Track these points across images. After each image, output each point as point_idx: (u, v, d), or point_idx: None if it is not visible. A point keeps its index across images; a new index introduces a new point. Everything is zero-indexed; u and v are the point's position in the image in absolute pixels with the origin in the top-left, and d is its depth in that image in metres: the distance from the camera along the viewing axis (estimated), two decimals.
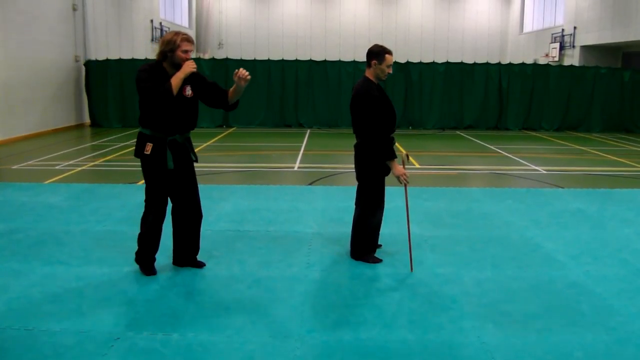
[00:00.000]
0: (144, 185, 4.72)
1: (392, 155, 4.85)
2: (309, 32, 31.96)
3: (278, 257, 5.28)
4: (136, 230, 6.01)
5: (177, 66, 4.46)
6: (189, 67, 4.44)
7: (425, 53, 30.41)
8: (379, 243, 5.46)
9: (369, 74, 4.97)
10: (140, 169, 4.66)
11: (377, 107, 4.82)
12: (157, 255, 4.87)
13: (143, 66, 4.51)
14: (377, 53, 4.91)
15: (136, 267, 4.91)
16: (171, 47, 4.45)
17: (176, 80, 4.40)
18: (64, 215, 6.71)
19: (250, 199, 7.55)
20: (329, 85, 18.53)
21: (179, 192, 4.77)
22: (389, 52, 4.94)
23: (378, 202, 5.07)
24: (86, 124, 18.11)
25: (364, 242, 5.18)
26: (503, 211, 7.11)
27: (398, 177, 4.85)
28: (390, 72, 4.98)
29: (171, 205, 4.85)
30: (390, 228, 5.95)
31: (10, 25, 13.92)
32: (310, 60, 18.83)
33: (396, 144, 5.04)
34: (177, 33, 4.54)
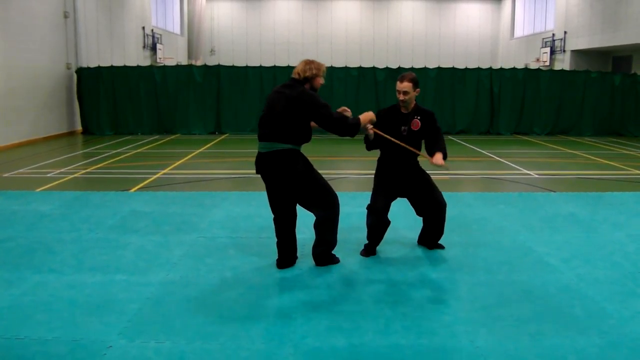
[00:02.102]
0: (312, 192, 4.93)
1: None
2: (301, 38, 32.03)
3: (271, 264, 5.26)
4: (127, 238, 6.02)
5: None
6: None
7: (417, 58, 30.55)
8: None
9: None
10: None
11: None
12: (146, 262, 4.84)
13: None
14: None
15: (128, 275, 4.90)
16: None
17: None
18: (55, 223, 6.68)
19: (243, 206, 7.54)
20: (320, 91, 18.49)
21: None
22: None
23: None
24: (78, 132, 18.04)
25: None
26: (495, 216, 7.13)
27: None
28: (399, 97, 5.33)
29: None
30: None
31: (1, 33, 13.88)
32: None
33: None
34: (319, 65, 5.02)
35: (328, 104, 4.90)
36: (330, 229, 5.09)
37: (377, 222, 5.39)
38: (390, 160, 5.45)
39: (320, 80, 5.00)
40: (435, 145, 5.41)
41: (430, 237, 5.73)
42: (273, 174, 4.89)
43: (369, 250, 5.57)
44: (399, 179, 5.44)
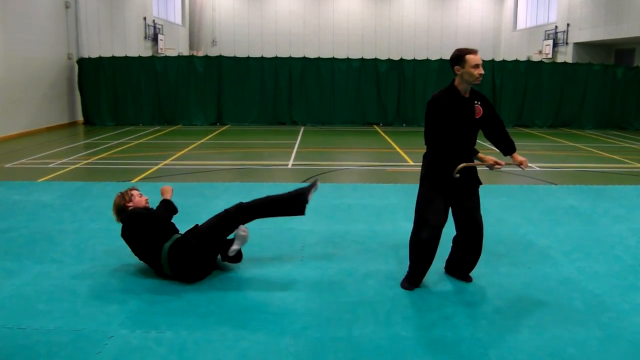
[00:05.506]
0: None
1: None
2: (302, 29, 31.92)
3: (271, 255, 5.28)
4: None
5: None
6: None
7: (419, 50, 30.44)
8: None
9: (455, 82, 4.44)
10: None
11: (440, 113, 4.37)
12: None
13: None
14: (456, 58, 4.37)
15: (129, 264, 4.91)
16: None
17: None
18: (57, 213, 6.69)
19: (244, 197, 7.50)
20: (322, 82, 18.53)
21: None
22: (470, 52, 4.32)
23: (422, 218, 4.40)
24: (79, 122, 18.04)
25: (413, 264, 4.53)
26: (496, 208, 7.13)
27: (491, 167, 4.84)
28: (481, 72, 4.32)
29: None
30: (383, 225, 5.95)
31: (1, 24, 13.84)
32: (304, 58, 18.81)
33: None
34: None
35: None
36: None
37: (434, 238, 4.38)
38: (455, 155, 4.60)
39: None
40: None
41: (462, 265, 4.71)
42: None
43: (413, 280, 4.56)
44: (455, 182, 4.48)
